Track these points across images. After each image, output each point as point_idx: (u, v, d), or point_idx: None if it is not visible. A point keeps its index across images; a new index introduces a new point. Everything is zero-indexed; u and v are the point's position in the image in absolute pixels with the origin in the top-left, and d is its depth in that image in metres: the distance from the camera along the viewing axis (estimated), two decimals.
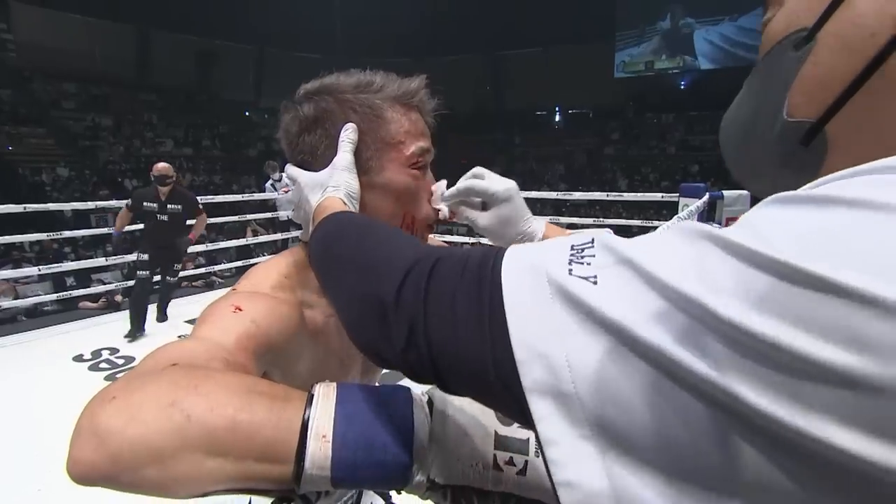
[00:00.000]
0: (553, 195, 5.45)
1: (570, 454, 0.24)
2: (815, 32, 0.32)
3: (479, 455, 0.34)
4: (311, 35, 16.78)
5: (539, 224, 0.64)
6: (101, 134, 13.82)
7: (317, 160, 0.56)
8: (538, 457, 0.34)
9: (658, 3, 16.39)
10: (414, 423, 0.34)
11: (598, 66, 17.42)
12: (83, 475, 0.32)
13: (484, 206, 0.63)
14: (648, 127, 17.42)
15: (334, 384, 0.36)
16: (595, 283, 0.25)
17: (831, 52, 0.31)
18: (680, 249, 0.24)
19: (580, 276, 0.26)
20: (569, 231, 0.66)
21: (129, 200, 3.95)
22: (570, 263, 0.27)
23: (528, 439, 0.34)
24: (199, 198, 4.23)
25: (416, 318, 0.31)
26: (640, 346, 0.22)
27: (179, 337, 3.63)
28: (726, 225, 0.69)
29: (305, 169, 0.57)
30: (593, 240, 0.28)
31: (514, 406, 0.27)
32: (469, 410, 0.36)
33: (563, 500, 0.24)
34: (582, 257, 0.27)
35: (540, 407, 0.25)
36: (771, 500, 0.19)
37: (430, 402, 0.37)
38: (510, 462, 0.33)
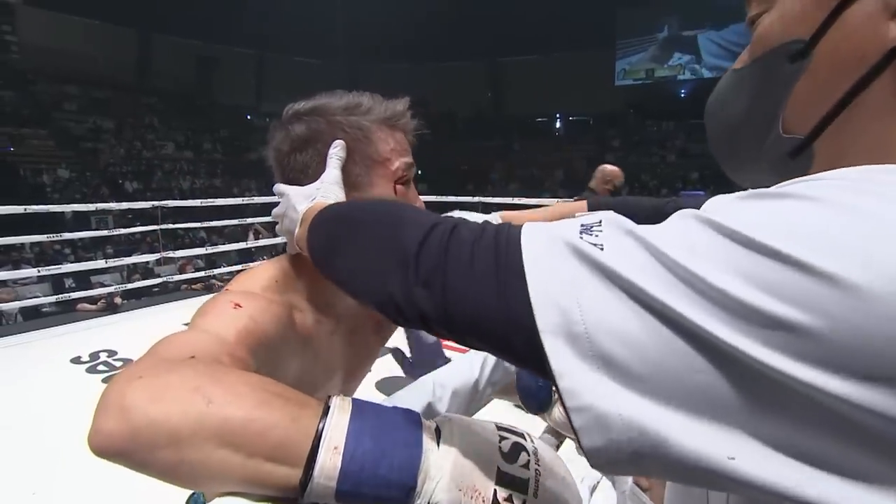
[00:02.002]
0: (553, 202, 5.47)
1: (580, 383, 0.28)
2: (811, 48, 0.33)
3: (481, 487, 0.34)
4: (311, 40, 16.87)
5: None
6: (103, 136, 13.87)
7: (307, 178, 0.58)
8: (536, 497, 0.35)
9: (658, 12, 16.49)
10: (422, 448, 0.34)
11: (599, 73, 17.54)
12: (102, 446, 0.32)
13: None
14: (648, 134, 17.49)
15: (350, 398, 0.36)
16: (602, 249, 0.29)
17: (824, 71, 0.32)
18: (673, 226, 0.29)
19: (590, 243, 0.30)
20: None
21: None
22: (581, 234, 0.30)
23: (528, 479, 0.35)
24: (199, 201, 4.24)
25: (436, 267, 0.34)
26: (637, 294, 0.27)
27: None
28: None
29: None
30: (601, 220, 0.31)
31: (522, 348, 0.30)
32: (476, 443, 0.36)
33: (576, 424, 0.28)
34: (591, 231, 0.31)
35: (553, 344, 0.28)
36: (733, 413, 0.25)
37: (438, 431, 0.37)
38: (509, 499, 0.34)
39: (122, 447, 0.32)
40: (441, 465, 0.34)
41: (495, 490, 0.34)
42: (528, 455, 0.36)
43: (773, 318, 0.24)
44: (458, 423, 0.37)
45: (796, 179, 0.29)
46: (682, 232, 0.28)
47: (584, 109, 19.46)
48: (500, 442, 0.36)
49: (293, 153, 0.60)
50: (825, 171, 0.33)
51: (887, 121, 0.31)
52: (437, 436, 0.37)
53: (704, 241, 0.27)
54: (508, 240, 0.33)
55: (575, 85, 18.31)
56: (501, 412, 0.88)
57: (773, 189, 0.28)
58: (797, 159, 0.35)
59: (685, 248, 0.27)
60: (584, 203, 0.77)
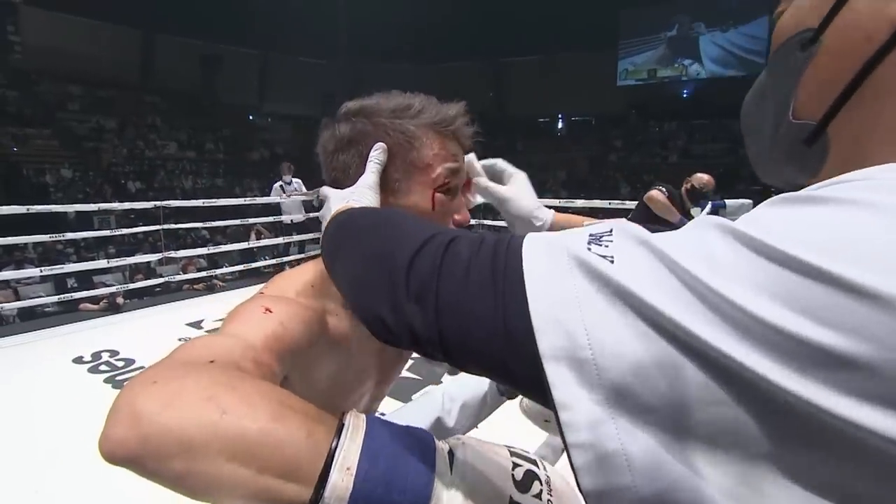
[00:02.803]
0: (555, 202, 5.48)
1: (583, 417, 0.25)
2: (820, 34, 0.33)
3: None
4: (314, 40, 16.88)
5: (548, 210, 0.69)
6: (106, 136, 13.91)
7: (348, 179, 0.58)
8: None
9: (661, 13, 16.47)
10: (434, 472, 0.34)
11: (601, 73, 17.51)
12: (112, 452, 0.32)
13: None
14: (651, 135, 17.45)
15: (364, 416, 0.36)
16: (612, 261, 0.26)
17: (832, 55, 0.32)
18: (692, 235, 0.26)
19: (599, 255, 0.27)
20: (577, 217, 0.71)
21: None
22: (589, 244, 0.28)
23: None
24: (201, 201, 4.24)
25: (429, 281, 0.31)
26: (651, 315, 0.24)
27: (179, 340, 3.64)
28: None
29: (337, 187, 0.59)
30: (612, 229, 0.29)
31: (522, 373, 0.28)
32: (488, 471, 0.36)
33: (576, 462, 0.25)
34: (601, 241, 0.28)
35: (555, 372, 0.26)
36: (753, 455, 0.22)
37: (452, 454, 0.37)
38: None
39: (133, 454, 0.31)
40: (453, 495, 0.34)
41: None
42: (541, 484, 0.36)
43: (809, 343, 0.21)
44: (471, 449, 0.37)
45: (825, 182, 0.26)
46: (701, 242, 0.25)
47: (586, 110, 19.43)
48: (512, 469, 0.36)
49: (337, 153, 0.60)
50: (843, 157, 0.33)
51: None
52: (451, 458, 0.36)
53: (727, 253, 0.24)
54: (509, 251, 0.30)
55: (577, 85, 18.28)
56: (505, 413, 0.87)
57: (802, 193, 0.26)
58: (813, 147, 0.34)
59: (705, 261, 0.24)
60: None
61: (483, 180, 0.65)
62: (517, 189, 0.67)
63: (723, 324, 0.23)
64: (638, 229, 0.28)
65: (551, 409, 0.26)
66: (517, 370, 0.28)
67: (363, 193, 0.54)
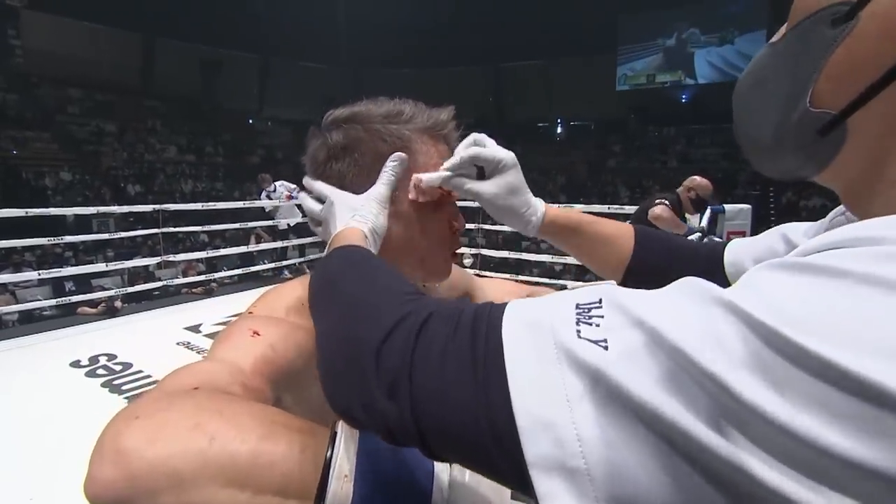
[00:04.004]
0: (555, 207, 5.45)
1: None
2: (858, 10, 0.28)
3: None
4: (315, 45, 16.94)
5: (538, 201, 0.62)
6: (105, 139, 13.91)
7: (344, 188, 0.55)
8: None
9: (659, 19, 16.56)
10: (434, 470, 0.34)
11: (600, 78, 17.56)
12: (100, 495, 0.31)
13: (480, 177, 0.59)
14: (650, 140, 17.49)
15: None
16: (605, 347, 0.23)
17: (869, 37, 0.28)
18: (692, 314, 0.23)
19: (589, 340, 0.24)
20: (572, 212, 0.65)
21: None
22: (577, 324, 0.25)
23: None
24: (200, 204, 4.24)
25: (400, 374, 0.28)
26: (653, 419, 0.21)
27: (178, 344, 3.63)
28: (727, 239, 0.69)
29: None
30: (601, 300, 0.26)
31: (509, 473, 0.25)
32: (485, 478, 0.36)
33: None
34: (590, 317, 0.25)
35: (545, 484, 0.23)
36: None
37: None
38: None
39: (121, 495, 0.30)
40: (454, 489, 0.33)
41: None
42: None
43: (837, 457, 0.18)
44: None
45: (843, 239, 0.23)
46: (705, 325, 0.22)
47: (585, 114, 19.50)
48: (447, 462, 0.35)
49: (329, 161, 0.57)
50: (859, 152, 0.29)
51: None
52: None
53: (736, 342, 0.21)
54: (489, 331, 0.27)
55: (576, 90, 18.35)
56: None
57: (815, 260, 0.22)
58: (827, 138, 0.30)
59: (714, 352, 0.21)
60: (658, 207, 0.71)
61: (459, 181, 0.56)
62: (503, 183, 0.58)
63: (737, 427, 0.20)
64: (630, 300, 0.25)
65: None
66: (504, 469, 0.25)
67: (371, 208, 0.51)
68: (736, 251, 0.57)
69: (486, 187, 0.57)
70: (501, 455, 0.25)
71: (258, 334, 0.48)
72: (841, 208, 0.43)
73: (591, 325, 0.24)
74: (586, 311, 0.25)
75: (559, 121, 20.36)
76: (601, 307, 0.25)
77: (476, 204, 0.61)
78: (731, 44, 15.41)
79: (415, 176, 0.55)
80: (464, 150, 0.57)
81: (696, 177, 3.35)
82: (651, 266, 0.61)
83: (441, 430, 0.27)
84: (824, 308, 0.20)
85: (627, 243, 0.63)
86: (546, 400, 0.23)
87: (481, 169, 0.58)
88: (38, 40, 13.85)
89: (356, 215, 0.51)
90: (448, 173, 0.55)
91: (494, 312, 0.28)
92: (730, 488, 0.20)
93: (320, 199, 0.56)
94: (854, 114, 0.29)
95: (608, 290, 0.26)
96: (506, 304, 0.29)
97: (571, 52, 17.48)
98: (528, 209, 0.61)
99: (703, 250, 0.62)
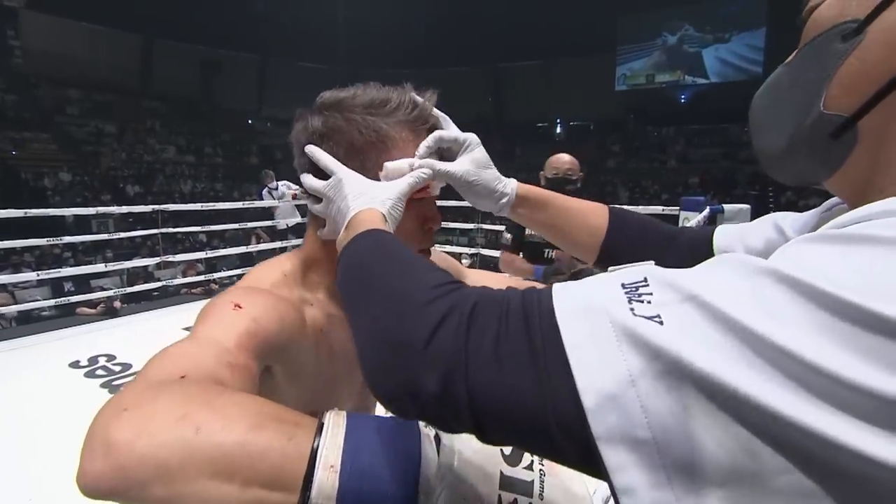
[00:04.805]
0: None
1: (647, 502, 0.23)
2: (866, 26, 0.32)
3: (485, 494, 0.33)
4: (314, 45, 16.95)
5: (509, 178, 0.63)
6: (104, 140, 13.92)
7: (319, 173, 0.55)
8: (542, 499, 0.33)
9: (658, 19, 16.58)
10: (421, 458, 0.34)
11: (600, 78, 17.58)
12: (92, 487, 0.31)
13: (443, 159, 0.58)
14: (649, 140, 17.52)
15: (344, 413, 0.35)
16: (661, 322, 0.24)
17: (876, 48, 0.31)
18: (741, 284, 0.24)
19: (644, 316, 0.25)
20: (542, 191, 0.64)
21: None
22: (630, 303, 0.26)
23: (533, 481, 0.34)
24: (199, 205, 4.23)
25: (455, 365, 0.28)
26: (713, 388, 0.22)
27: None
28: None
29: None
30: (646, 278, 0.27)
31: (571, 454, 0.26)
32: (475, 448, 0.36)
33: None
34: (640, 296, 0.26)
35: (613, 456, 0.24)
36: None
37: (438, 438, 0.36)
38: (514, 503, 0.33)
39: (112, 487, 0.31)
40: (442, 474, 0.34)
41: (500, 495, 0.33)
42: (532, 456, 0.35)
43: (885, 399, 0.19)
44: None
45: (862, 215, 0.25)
46: (754, 293, 0.23)
47: (584, 115, 19.53)
48: (500, 446, 0.35)
49: (308, 145, 0.56)
50: (869, 154, 0.32)
51: None
52: (437, 444, 0.36)
53: (785, 304, 0.22)
54: (542, 318, 0.28)
55: (576, 90, 18.37)
56: None
57: (844, 232, 0.24)
58: (839, 140, 0.33)
59: (765, 315, 0.22)
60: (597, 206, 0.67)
61: (428, 162, 0.55)
62: (472, 159, 0.58)
63: (794, 385, 0.21)
64: (675, 277, 0.26)
65: (611, 494, 0.25)
66: (567, 449, 0.26)
67: (391, 195, 0.50)
68: (727, 236, 0.57)
69: (457, 165, 0.58)
70: (565, 436, 0.26)
71: (240, 307, 0.48)
72: (832, 201, 0.45)
73: (642, 302, 0.25)
74: (634, 289, 0.26)
75: (558, 121, 20.39)
76: (648, 285, 0.26)
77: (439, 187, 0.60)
78: (728, 42, 15.42)
79: (385, 164, 0.54)
80: (427, 139, 0.57)
81: (553, 157, 2.31)
82: (625, 247, 0.61)
83: (501, 417, 0.28)
84: (872, 270, 0.22)
85: (601, 222, 0.63)
86: (609, 378, 0.24)
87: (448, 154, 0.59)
88: (37, 41, 13.85)
89: (378, 198, 0.50)
90: (412, 159, 0.55)
91: (543, 298, 0.29)
92: (796, 451, 0.21)
93: (322, 175, 0.55)
94: (863, 118, 0.32)
95: (651, 268, 0.28)
96: (550, 288, 0.30)
97: (570, 53, 17.51)
98: (500, 182, 0.61)
99: (684, 235, 0.61)
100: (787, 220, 0.53)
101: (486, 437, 0.30)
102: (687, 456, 0.22)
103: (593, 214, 0.63)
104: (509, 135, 18.71)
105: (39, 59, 13.78)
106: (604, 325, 0.25)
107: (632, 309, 0.25)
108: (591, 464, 0.25)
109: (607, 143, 17.95)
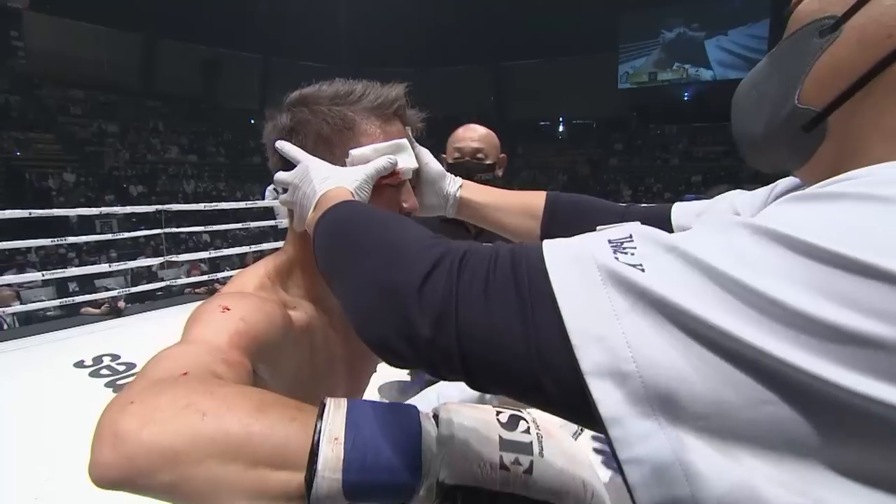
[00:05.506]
0: None
1: (634, 431, 0.24)
2: (842, 23, 0.33)
3: (486, 456, 0.34)
4: (316, 44, 16.95)
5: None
6: (108, 140, 13.96)
7: (290, 167, 0.56)
8: (542, 456, 0.34)
9: (660, 16, 16.52)
10: (422, 429, 0.35)
11: (602, 77, 17.55)
12: (102, 478, 0.32)
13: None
14: (652, 138, 17.48)
15: (345, 399, 0.36)
16: (643, 269, 0.26)
17: (849, 46, 0.32)
18: (719, 237, 0.26)
19: (628, 264, 0.26)
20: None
21: None
22: (614, 253, 0.27)
23: (531, 442, 0.35)
24: (202, 205, 4.25)
25: (446, 308, 0.30)
26: (691, 324, 0.24)
27: None
28: None
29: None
30: (631, 234, 0.28)
31: (555, 396, 0.27)
32: (473, 417, 0.37)
33: (631, 478, 0.25)
34: (624, 249, 0.27)
35: (600, 388, 0.25)
36: (804, 451, 0.22)
37: (436, 416, 0.37)
38: (516, 462, 0.34)
39: (121, 476, 0.31)
40: (443, 441, 0.35)
41: (501, 456, 0.34)
42: (528, 423, 0.37)
43: (850, 332, 0.21)
44: (454, 407, 0.38)
45: (831, 180, 0.27)
46: (731, 243, 0.25)
47: (587, 113, 19.49)
48: (497, 415, 0.37)
49: (278, 142, 0.58)
50: (837, 147, 0.34)
51: None
52: (436, 420, 0.37)
53: (759, 251, 0.24)
54: (529, 266, 0.29)
55: (578, 89, 18.34)
56: None
57: (813, 190, 0.26)
58: (811, 133, 0.35)
59: (739, 260, 0.24)
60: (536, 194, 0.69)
61: (393, 143, 0.57)
62: (421, 151, 0.64)
63: (765, 322, 0.22)
64: (658, 233, 0.28)
65: (598, 428, 0.25)
66: (552, 391, 0.27)
67: (357, 177, 0.52)
68: (685, 214, 0.59)
69: (413, 156, 0.61)
70: (551, 375, 0.27)
71: (228, 309, 0.49)
72: (787, 180, 0.47)
73: (626, 253, 0.27)
74: (619, 244, 0.28)
75: (561, 119, 20.36)
76: (632, 240, 0.28)
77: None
78: (730, 35, 15.34)
79: (350, 152, 0.56)
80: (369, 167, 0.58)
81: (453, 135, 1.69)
82: (565, 232, 0.62)
83: (488, 359, 0.29)
84: (827, 219, 0.24)
85: (539, 203, 0.67)
86: (595, 317, 0.26)
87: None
88: (40, 42, 13.91)
89: (346, 178, 0.52)
90: (378, 144, 0.56)
91: (532, 249, 0.30)
92: (757, 368, 0.23)
93: (289, 166, 0.56)
94: (833, 113, 0.33)
95: (637, 226, 0.29)
96: (537, 242, 0.31)
97: (572, 51, 17.47)
98: (448, 177, 0.67)
99: (631, 214, 0.62)
100: (740, 197, 0.55)
101: (474, 383, 0.31)
102: (671, 388, 0.24)
103: (532, 201, 0.67)
104: (512, 133, 18.69)
105: (43, 59, 13.84)
106: (591, 270, 0.27)
107: (616, 258, 0.27)
108: (575, 404, 0.26)
109: (610, 141, 17.92)
